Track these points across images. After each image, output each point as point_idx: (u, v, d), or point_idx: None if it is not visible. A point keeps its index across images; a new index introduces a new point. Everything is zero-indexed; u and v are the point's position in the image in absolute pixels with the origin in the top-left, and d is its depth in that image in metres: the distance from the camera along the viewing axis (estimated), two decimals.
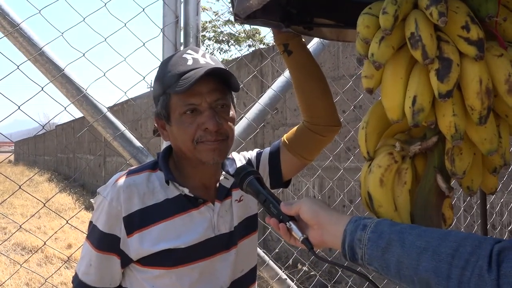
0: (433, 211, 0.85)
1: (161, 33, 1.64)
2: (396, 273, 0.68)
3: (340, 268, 2.94)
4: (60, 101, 1.51)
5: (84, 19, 1.51)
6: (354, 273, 0.78)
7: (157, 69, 1.11)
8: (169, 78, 1.02)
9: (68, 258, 1.83)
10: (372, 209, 0.89)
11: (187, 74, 0.99)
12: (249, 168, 0.98)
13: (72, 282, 1.09)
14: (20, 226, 1.55)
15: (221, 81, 1.03)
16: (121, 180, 1.04)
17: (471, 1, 0.84)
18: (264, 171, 1.23)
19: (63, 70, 1.49)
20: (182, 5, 1.66)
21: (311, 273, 3.57)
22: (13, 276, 4.08)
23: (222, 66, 1.04)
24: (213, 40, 10.65)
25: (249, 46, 10.67)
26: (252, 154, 1.27)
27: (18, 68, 1.40)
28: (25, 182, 1.60)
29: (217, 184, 1.12)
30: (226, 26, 10.56)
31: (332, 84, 1.20)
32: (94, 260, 1.03)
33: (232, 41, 10.61)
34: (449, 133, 0.81)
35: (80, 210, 3.58)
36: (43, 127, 1.69)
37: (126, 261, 1.03)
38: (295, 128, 1.25)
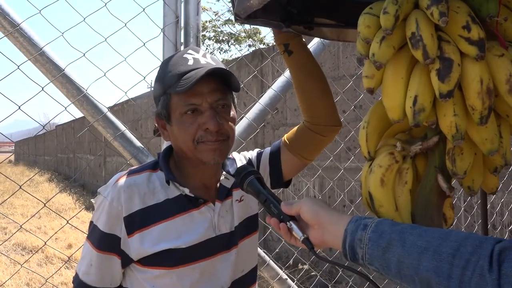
0: (434, 211, 0.85)
1: (162, 33, 1.64)
2: (397, 273, 0.68)
3: (340, 268, 2.94)
4: (60, 101, 1.51)
5: (84, 19, 1.51)
6: (354, 273, 0.78)
7: (158, 69, 1.11)
8: (169, 78, 1.02)
9: (69, 258, 1.83)
10: (373, 209, 0.89)
11: (188, 74, 0.99)
12: (250, 168, 0.98)
13: (73, 282, 1.09)
14: (21, 226, 1.55)
15: (221, 81, 1.03)
16: (122, 180, 1.04)
17: (472, 1, 0.84)
18: (264, 171, 1.23)
19: (64, 70, 1.49)
20: (182, 5, 1.66)
21: (312, 273, 3.57)
22: (14, 276, 4.08)
23: (223, 66, 1.04)
24: (213, 40, 10.65)
25: (249, 46, 10.68)
26: (252, 154, 1.27)
27: (18, 68, 1.40)
28: (25, 182, 1.60)
29: (218, 184, 1.12)
30: (226, 25, 10.56)
31: (332, 84, 1.20)
32: (95, 260, 1.03)
33: (232, 41, 10.60)
34: (450, 133, 0.81)
35: (81, 210, 3.58)
36: (43, 127, 1.69)
37: (126, 261, 1.03)
38: (295, 128, 1.25)
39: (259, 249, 1.64)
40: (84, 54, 1.52)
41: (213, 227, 1.07)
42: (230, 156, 1.21)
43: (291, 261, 3.05)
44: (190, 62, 1.03)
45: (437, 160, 0.86)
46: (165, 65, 1.06)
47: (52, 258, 5.03)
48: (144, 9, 1.63)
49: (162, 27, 1.63)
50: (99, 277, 1.04)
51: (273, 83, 2.00)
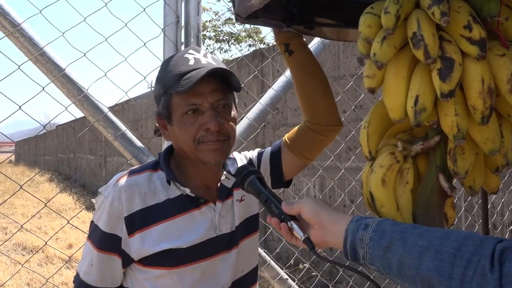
0: (435, 210, 0.85)
1: (162, 33, 1.64)
2: (398, 273, 0.68)
3: (341, 268, 2.94)
4: (61, 101, 1.51)
5: (85, 19, 1.51)
6: (355, 273, 0.78)
7: (158, 69, 1.11)
8: (170, 78, 1.02)
9: (69, 258, 1.83)
10: (374, 208, 0.89)
11: (189, 74, 0.99)
12: (250, 168, 0.98)
13: (74, 282, 1.09)
14: (22, 226, 1.55)
15: (222, 81, 1.03)
16: (123, 180, 1.04)
17: (473, 1, 0.84)
18: (265, 171, 1.23)
19: (64, 70, 1.49)
20: (183, 5, 1.66)
21: (312, 273, 3.57)
22: (14, 276, 4.08)
23: (224, 66, 1.04)
24: (213, 40, 10.65)
25: (250, 45, 10.67)
26: (253, 153, 1.27)
27: (19, 68, 1.40)
28: (26, 182, 1.60)
29: (219, 184, 1.12)
30: (226, 25, 10.56)
31: (332, 84, 1.20)
32: (96, 260, 1.03)
33: (233, 40, 10.60)
34: (451, 132, 0.80)
35: (81, 210, 3.58)
36: (44, 127, 1.69)
37: (127, 261, 1.03)
38: (296, 128, 1.25)
39: (259, 249, 1.64)
40: (84, 54, 1.52)
41: (214, 227, 1.07)
42: (231, 156, 1.21)
43: (292, 261, 3.05)
44: (191, 62, 1.02)
45: (438, 160, 0.86)
46: (166, 65, 1.06)
47: (53, 258, 5.03)
48: (144, 9, 1.63)
49: (162, 27, 1.63)
50: (100, 277, 1.04)
51: (274, 83, 2.00)
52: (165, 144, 1.52)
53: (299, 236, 0.83)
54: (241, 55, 9.14)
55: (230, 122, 1.05)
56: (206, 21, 10.64)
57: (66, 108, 1.53)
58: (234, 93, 1.09)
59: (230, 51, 11.03)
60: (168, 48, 1.63)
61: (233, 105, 1.08)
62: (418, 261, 0.65)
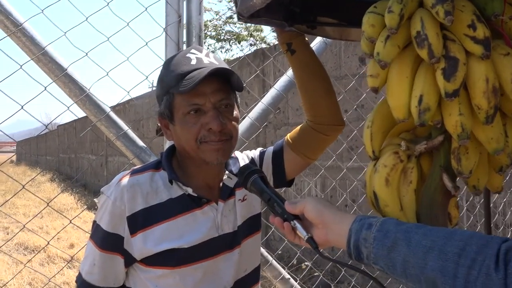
0: (439, 210, 0.85)
1: (164, 32, 1.64)
2: (402, 272, 0.68)
3: (345, 267, 2.94)
4: (63, 101, 1.51)
5: (86, 18, 1.51)
6: (359, 272, 0.78)
7: (160, 68, 1.10)
8: (172, 78, 1.01)
9: (72, 258, 1.82)
10: (378, 208, 0.89)
11: (191, 74, 0.99)
12: (253, 167, 0.98)
13: (76, 282, 1.09)
14: (24, 226, 1.55)
15: (225, 81, 1.03)
16: (125, 180, 1.04)
17: (477, 0, 0.84)
18: (267, 170, 1.23)
19: (66, 69, 1.49)
20: (184, 4, 1.66)
21: (314, 273, 3.57)
22: (16, 276, 4.08)
23: (226, 66, 1.03)
24: (215, 39, 10.63)
25: (251, 45, 10.66)
26: (255, 153, 1.26)
27: (21, 67, 1.40)
28: (28, 182, 1.60)
29: (221, 184, 1.12)
30: (227, 25, 10.54)
31: (334, 83, 1.19)
32: (98, 260, 1.03)
33: (233, 39, 10.58)
34: (455, 132, 0.80)
35: (83, 210, 3.58)
36: (46, 126, 1.69)
37: (129, 260, 1.03)
38: (298, 127, 1.25)
39: (261, 248, 1.64)
40: (86, 54, 1.51)
41: (216, 226, 1.07)
42: (233, 155, 1.21)
43: (295, 261, 3.05)
44: (193, 62, 1.02)
45: (442, 159, 0.86)
46: (168, 64, 1.06)
47: (54, 258, 5.03)
48: (146, 9, 1.63)
49: (164, 27, 1.63)
50: (102, 276, 1.04)
51: (276, 83, 2.00)
52: (167, 144, 1.51)
53: (302, 236, 0.83)
54: (242, 54, 9.15)
55: (233, 122, 1.05)
56: (207, 21, 10.63)
57: (68, 107, 1.53)
58: (236, 92, 1.09)
59: (231, 50, 11.04)
60: (170, 47, 1.63)
61: (235, 104, 1.08)
62: (422, 261, 0.65)
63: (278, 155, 1.23)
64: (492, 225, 2.95)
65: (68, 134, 17.29)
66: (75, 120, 15.30)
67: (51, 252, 5.06)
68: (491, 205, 3.00)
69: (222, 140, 1.02)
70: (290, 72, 1.96)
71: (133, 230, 1.01)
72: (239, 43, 10.52)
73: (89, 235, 1.08)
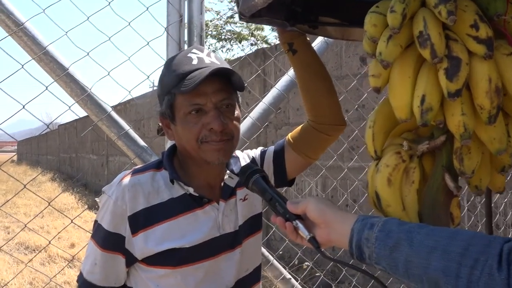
0: (441, 210, 0.84)
1: (165, 32, 1.63)
2: (405, 272, 0.68)
3: (346, 267, 2.93)
4: (64, 100, 1.51)
5: (88, 18, 1.51)
6: (361, 272, 0.78)
7: (162, 68, 1.10)
8: (174, 78, 1.01)
9: (73, 257, 1.83)
10: (380, 208, 0.89)
11: (192, 74, 0.99)
12: (255, 167, 0.98)
13: (77, 281, 1.09)
14: (25, 226, 1.55)
15: (226, 80, 1.03)
16: (126, 179, 1.04)
17: (479, 0, 0.83)
18: (268, 169, 1.23)
19: (68, 69, 1.49)
20: (186, 4, 1.66)
21: (315, 273, 3.57)
22: (17, 275, 4.09)
23: (227, 66, 1.03)
24: (216, 38, 10.62)
25: (252, 44, 10.65)
26: (256, 152, 1.26)
27: (22, 67, 1.40)
28: (29, 182, 1.60)
29: (222, 184, 1.12)
30: (227, 24, 10.54)
31: (335, 83, 1.19)
32: (99, 259, 1.03)
33: (234, 39, 10.58)
34: (458, 132, 0.80)
35: (84, 210, 3.58)
36: (47, 126, 1.69)
37: (131, 260, 1.03)
38: (299, 127, 1.25)
39: (262, 248, 1.64)
40: (88, 53, 1.51)
41: (218, 226, 1.06)
42: (234, 154, 1.21)
43: (296, 261, 3.05)
44: (194, 62, 1.02)
45: (444, 159, 0.86)
46: (169, 64, 1.06)
47: (55, 257, 5.03)
48: (147, 8, 1.63)
49: (165, 26, 1.63)
50: (104, 276, 1.04)
51: (277, 82, 1.99)
52: (168, 143, 1.51)
53: (305, 236, 0.83)
54: (243, 54, 9.14)
55: (234, 122, 1.05)
56: (207, 21, 10.62)
57: (69, 107, 1.53)
58: (238, 92, 1.09)
59: (232, 50, 11.03)
60: (171, 47, 1.63)
61: (236, 104, 1.08)
62: (425, 261, 0.65)
63: (279, 155, 1.23)
64: (493, 225, 2.95)
65: (69, 134, 17.29)
66: (75, 120, 15.30)
67: (52, 251, 5.06)
68: (492, 205, 3.00)
69: (223, 140, 1.02)
70: (291, 72, 1.96)
71: (135, 230, 1.01)
72: (240, 43, 10.51)
73: (90, 234, 1.08)
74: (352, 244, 0.74)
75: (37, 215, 1.71)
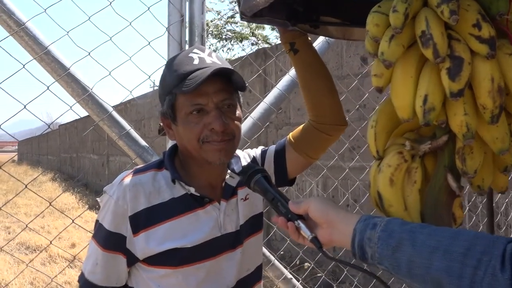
0: (444, 210, 0.84)
1: (166, 32, 1.63)
2: (407, 272, 0.68)
3: (347, 267, 2.93)
4: (65, 100, 1.51)
5: (89, 18, 1.51)
6: (363, 272, 0.78)
7: (163, 68, 1.10)
8: (175, 78, 1.01)
9: (74, 257, 1.83)
10: (382, 208, 0.88)
11: (194, 74, 0.99)
12: (257, 167, 0.98)
13: (78, 281, 1.09)
14: (26, 226, 1.55)
15: (227, 80, 1.03)
16: (127, 179, 1.04)
17: None
18: (269, 169, 1.22)
19: (69, 69, 1.49)
20: (187, 4, 1.66)
21: (315, 273, 3.57)
22: (18, 275, 4.09)
23: (229, 66, 1.03)
24: (217, 38, 10.62)
25: (252, 44, 10.65)
26: (256, 151, 1.26)
27: (23, 67, 1.40)
28: (30, 182, 1.60)
29: (223, 183, 1.12)
30: (228, 24, 10.54)
31: (336, 83, 1.19)
32: (100, 259, 1.03)
33: (235, 38, 10.57)
34: (460, 132, 0.80)
35: (85, 210, 3.58)
36: (48, 126, 1.69)
37: (132, 260, 1.03)
38: (301, 126, 1.25)
39: (264, 248, 1.64)
40: (89, 53, 1.51)
41: (219, 226, 1.06)
42: (235, 154, 1.21)
43: (297, 261, 3.05)
44: (196, 62, 1.02)
45: (447, 159, 0.86)
46: (170, 64, 1.06)
47: (56, 257, 5.03)
48: (149, 8, 1.63)
49: (167, 26, 1.63)
50: (105, 276, 1.04)
51: (278, 82, 1.99)
52: (170, 143, 1.51)
53: (307, 236, 0.83)
54: (244, 54, 9.14)
55: (235, 122, 1.05)
56: (208, 21, 10.61)
57: (71, 107, 1.53)
58: (239, 92, 1.09)
59: (232, 50, 11.04)
60: (172, 47, 1.63)
61: (237, 104, 1.08)
62: (427, 261, 0.65)
63: (280, 154, 1.23)
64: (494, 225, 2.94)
65: (70, 134, 17.30)
66: (76, 120, 15.31)
67: (53, 251, 5.06)
68: (493, 205, 2.99)
69: (224, 140, 1.02)
70: (292, 72, 1.96)
71: (136, 230, 1.01)
72: (241, 42, 10.51)
73: (91, 234, 1.08)
74: (354, 244, 0.74)
75: (38, 215, 1.71)
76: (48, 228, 6.64)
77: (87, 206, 8.08)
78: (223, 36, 10.62)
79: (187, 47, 1.64)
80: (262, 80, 5.08)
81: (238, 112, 1.07)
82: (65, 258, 4.97)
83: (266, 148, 1.27)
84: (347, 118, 1.26)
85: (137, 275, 1.06)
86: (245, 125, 1.82)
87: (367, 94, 2.90)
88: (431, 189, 0.86)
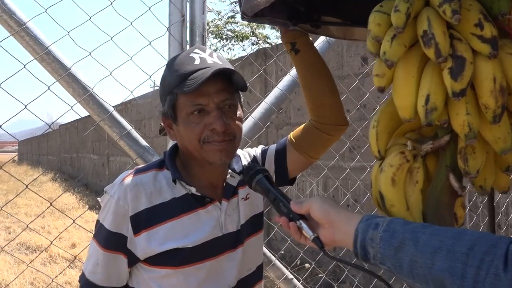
0: (445, 210, 0.84)
1: (167, 31, 1.63)
2: (409, 273, 0.67)
3: (349, 267, 2.93)
4: (66, 100, 1.51)
5: (90, 18, 1.51)
6: (366, 272, 0.77)
7: (164, 68, 1.10)
8: (176, 78, 1.01)
9: (75, 257, 1.82)
10: (384, 208, 0.88)
11: (195, 74, 0.98)
12: (258, 167, 0.98)
13: (79, 281, 1.09)
14: (27, 226, 1.55)
15: (228, 80, 1.03)
16: (128, 179, 1.04)
17: None
18: (269, 168, 1.22)
19: (70, 69, 1.49)
20: (188, 4, 1.66)
21: (315, 272, 3.56)
22: (18, 276, 4.09)
23: (230, 66, 1.03)
24: (217, 37, 10.62)
25: (253, 44, 10.65)
26: (257, 151, 1.26)
27: (24, 67, 1.40)
28: (31, 182, 1.60)
29: (224, 183, 1.12)
30: (228, 24, 10.54)
31: (337, 83, 1.19)
32: (101, 259, 1.03)
33: (235, 39, 10.57)
34: (462, 132, 0.80)
35: (86, 210, 3.58)
36: (49, 126, 1.69)
37: (133, 260, 1.03)
38: (301, 126, 1.25)
39: (264, 248, 1.64)
40: (90, 53, 1.51)
41: (220, 226, 1.06)
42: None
43: (298, 261, 3.05)
44: (197, 62, 1.02)
45: (449, 159, 0.85)
46: (171, 64, 1.05)
47: (56, 258, 5.03)
48: (149, 8, 1.63)
49: (168, 26, 1.63)
50: (106, 276, 1.04)
51: (279, 82, 1.99)
52: (170, 143, 1.51)
53: (308, 236, 0.83)
54: (244, 54, 9.14)
55: (236, 122, 1.05)
56: (209, 21, 10.61)
57: (71, 107, 1.53)
58: (240, 92, 1.09)
59: (233, 50, 11.05)
60: (173, 47, 1.62)
61: (239, 104, 1.07)
62: (430, 261, 0.65)
63: (281, 154, 1.23)
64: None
65: (70, 134, 17.30)
66: (76, 120, 15.31)
67: (53, 251, 5.06)
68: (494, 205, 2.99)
69: (225, 141, 1.01)
70: (293, 72, 1.96)
71: (137, 230, 1.01)
72: (241, 41, 10.51)
73: (92, 234, 1.08)
74: (356, 244, 0.74)
75: (39, 215, 1.71)
76: (49, 228, 6.64)
77: (87, 206, 8.08)
78: (224, 36, 10.62)
79: (188, 47, 1.64)
80: (262, 80, 5.08)
81: (239, 112, 1.06)
82: (66, 258, 4.97)
83: (267, 147, 1.27)
84: (347, 118, 1.26)
85: (138, 275, 1.06)
86: (246, 125, 1.82)
87: (368, 94, 2.90)
88: (433, 189, 0.86)
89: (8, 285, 3.74)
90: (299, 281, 2.03)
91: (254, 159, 1.23)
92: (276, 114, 4.65)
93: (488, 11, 0.82)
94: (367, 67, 3.73)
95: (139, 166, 1.12)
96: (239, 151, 1.23)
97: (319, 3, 1.21)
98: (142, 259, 1.02)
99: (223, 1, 11.49)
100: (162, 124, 1.11)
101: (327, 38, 1.98)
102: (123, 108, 10.13)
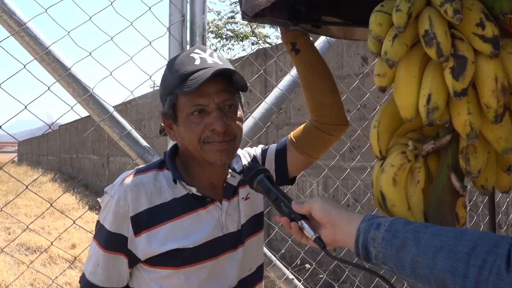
0: (447, 210, 0.84)
1: (168, 32, 1.63)
2: (411, 272, 0.67)
3: (350, 267, 2.93)
4: (66, 101, 1.50)
5: (90, 18, 1.51)
6: (367, 271, 0.77)
7: (164, 68, 1.10)
8: (176, 78, 1.01)
9: (75, 258, 1.82)
10: (385, 208, 0.88)
11: (195, 74, 0.98)
12: (259, 167, 0.97)
13: (80, 282, 1.08)
14: (27, 227, 1.55)
15: (229, 81, 1.02)
16: (128, 179, 1.04)
17: None
18: (270, 168, 1.22)
19: (70, 69, 1.49)
20: (188, 4, 1.66)
21: (316, 272, 3.56)
22: (18, 277, 4.09)
23: (230, 66, 1.03)
24: (217, 37, 10.61)
25: (253, 44, 10.65)
26: (257, 150, 1.26)
27: (24, 67, 1.40)
28: (31, 183, 1.60)
29: (224, 183, 1.12)
30: (228, 24, 10.54)
31: (337, 83, 1.19)
32: (102, 260, 1.02)
33: (235, 38, 10.57)
34: (464, 131, 0.80)
35: (86, 211, 3.58)
36: (49, 126, 1.69)
37: (133, 261, 1.03)
38: (302, 126, 1.25)
39: (265, 249, 1.64)
40: (90, 53, 1.51)
41: (221, 226, 1.06)
42: None
43: (298, 261, 3.05)
44: (197, 62, 1.02)
45: (450, 159, 0.85)
46: (172, 64, 1.05)
47: (56, 258, 5.03)
48: (150, 8, 1.63)
49: (168, 26, 1.63)
50: (106, 276, 1.03)
51: (279, 82, 1.99)
52: (171, 144, 1.51)
53: (310, 236, 0.82)
54: (244, 54, 9.14)
55: (237, 122, 1.04)
56: (208, 21, 10.59)
57: (71, 107, 1.53)
58: (240, 92, 1.09)
59: (233, 50, 11.04)
60: (173, 47, 1.62)
61: (239, 105, 1.07)
62: (432, 261, 0.64)
63: (281, 154, 1.23)
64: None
65: (70, 134, 17.30)
66: (76, 120, 15.31)
67: (53, 252, 5.06)
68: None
69: (225, 141, 1.01)
70: (293, 72, 1.96)
71: (137, 230, 1.00)
72: (241, 41, 10.51)
73: (92, 235, 1.08)
74: (358, 244, 0.74)
75: (39, 216, 1.70)
76: (48, 229, 6.63)
77: (87, 207, 8.07)
78: (224, 36, 10.62)
79: (188, 47, 1.64)
80: (262, 80, 5.08)
81: (239, 113, 1.06)
82: (66, 259, 4.97)
83: (267, 147, 1.27)
84: (348, 118, 1.26)
85: (139, 276, 1.05)
86: (246, 125, 1.82)
87: (368, 94, 2.90)
88: (434, 189, 0.86)
89: (8, 286, 3.73)
90: (299, 281, 2.03)
91: (254, 158, 1.23)
92: (276, 114, 4.65)
93: (490, 11, 0.82)
94: (367, 67, 3.73)
95: (139, 167, 1.11)
96: (239, 151, 1.23)
97: (320, 3, 1.21)
98: (142, 259, 1.02)
99: (223, 1, 11.49)
100: (162, 124, 1.11)
101: (328, 38, 1.98)
102: (123, 108, 10.13)
